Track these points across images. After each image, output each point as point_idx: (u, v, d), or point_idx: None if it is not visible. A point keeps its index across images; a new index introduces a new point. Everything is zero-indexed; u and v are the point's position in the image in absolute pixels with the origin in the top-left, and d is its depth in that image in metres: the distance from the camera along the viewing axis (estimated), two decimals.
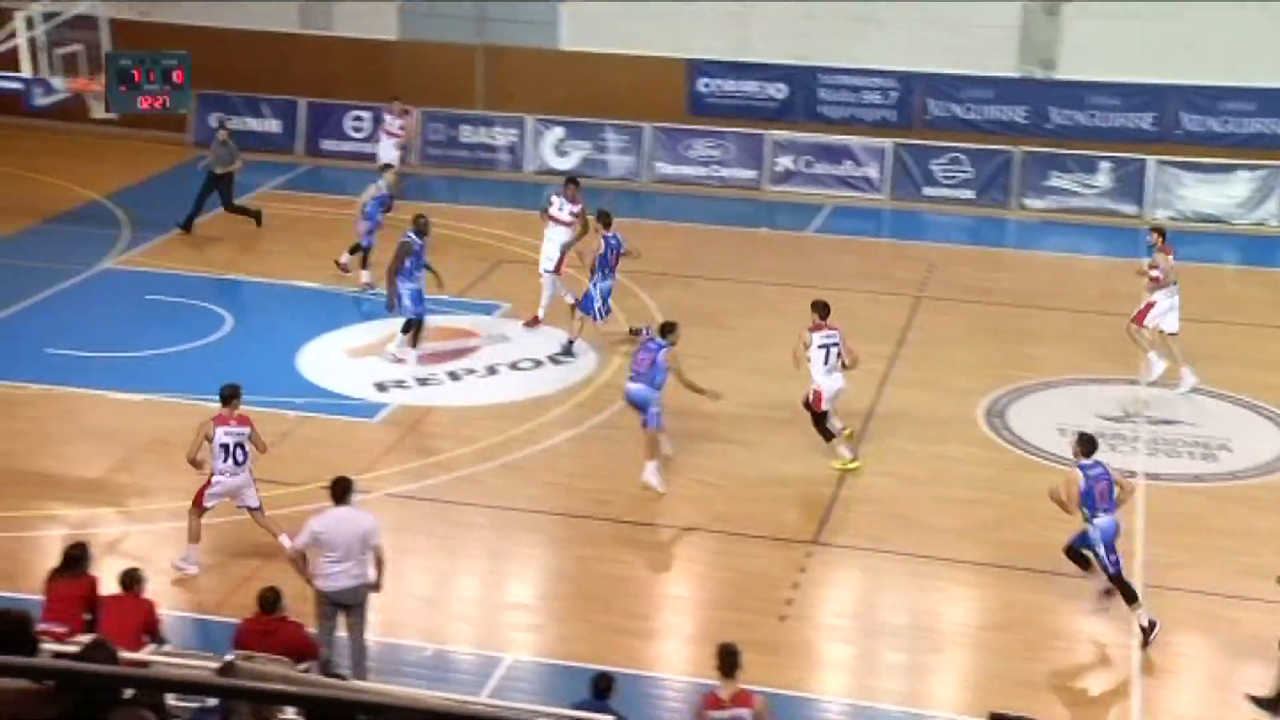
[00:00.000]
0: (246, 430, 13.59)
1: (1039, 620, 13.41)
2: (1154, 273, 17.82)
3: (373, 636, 11.99)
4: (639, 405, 15.13)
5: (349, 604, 11.69)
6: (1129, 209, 24.59)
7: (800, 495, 15.39)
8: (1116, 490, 12.78)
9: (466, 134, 26.75)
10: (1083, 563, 12.99)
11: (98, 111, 20.49)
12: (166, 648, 11.16)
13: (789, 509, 15.15)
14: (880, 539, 14.49)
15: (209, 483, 13.54)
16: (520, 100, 26.61)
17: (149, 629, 11.09)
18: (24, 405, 16.69)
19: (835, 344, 15.52)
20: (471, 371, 18.15)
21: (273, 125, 27.32)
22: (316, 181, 24.96)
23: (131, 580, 11.27)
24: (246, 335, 18.96)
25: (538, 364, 18.16)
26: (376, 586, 11.83)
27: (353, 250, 20.37)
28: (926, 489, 15.58)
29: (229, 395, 13.73)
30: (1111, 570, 12.73)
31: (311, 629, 11.48)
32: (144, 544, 14.08)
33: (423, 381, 17.79)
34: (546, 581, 14.11)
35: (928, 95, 25.76)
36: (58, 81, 19.61)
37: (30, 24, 19.24)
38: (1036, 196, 25.18)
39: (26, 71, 19.23)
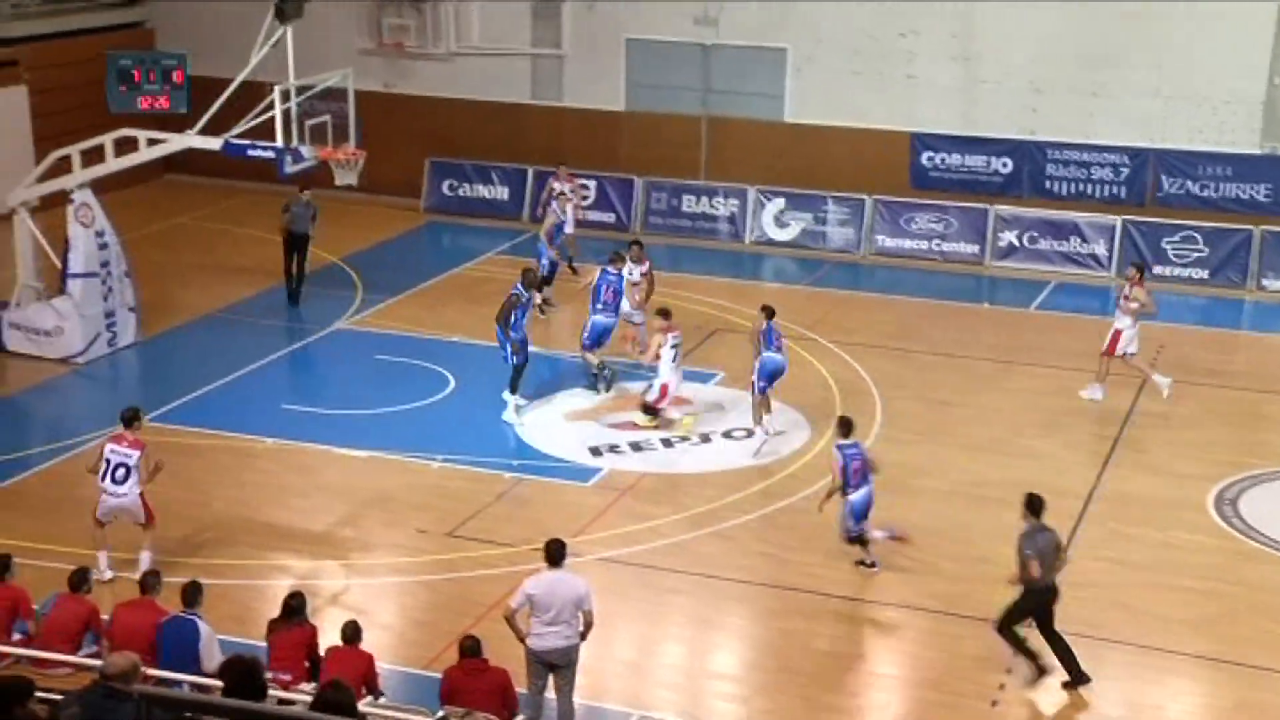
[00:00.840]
0: (135, 454, 14.30)
1: None
2: (1132, 305, 19.10)
3: (578, 699, 12.12)
4: (781, 372, 17.91)
5: (559, 664, 11.87)
6: None
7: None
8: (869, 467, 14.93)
9: (689, 203, 27.15)
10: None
11: (342, 179, 21.47)
12: (382, 700, 11.51)
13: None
14: (1099, 626, 14.04)
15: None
16: (743, 171, 26.89)
17: (367, 682, 11.45)
18: (261, 458, 17.47)
19: (681, 344, 18.31)
20: (685, 439, 18.31)
21: (502, 192, 28.24)
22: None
23: (353, 633, 11.67)
24: (468, 396, 19.50)
25: (750, 433, 18.20)
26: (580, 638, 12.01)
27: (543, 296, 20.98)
28: (1149, 576, 15.07)
29: (129, 418, 14.60)
30: (851, 535, 14.90)
31: (521, 688, 11.70)
32: (364, 597, 14.56)
33: (636, 447, 18.03)
34: (753, 653, 14.06)
35: (1161, 171, 25.10)
36: (307, 150, 20.54)
37: (285, 97, 20.28)
38: (1277, 278, 24.24)
39: (280, 141, 20.22)
